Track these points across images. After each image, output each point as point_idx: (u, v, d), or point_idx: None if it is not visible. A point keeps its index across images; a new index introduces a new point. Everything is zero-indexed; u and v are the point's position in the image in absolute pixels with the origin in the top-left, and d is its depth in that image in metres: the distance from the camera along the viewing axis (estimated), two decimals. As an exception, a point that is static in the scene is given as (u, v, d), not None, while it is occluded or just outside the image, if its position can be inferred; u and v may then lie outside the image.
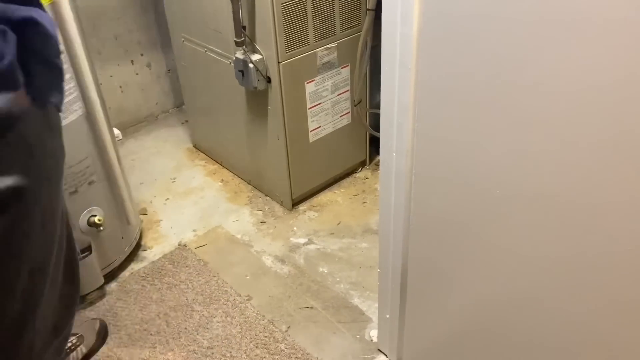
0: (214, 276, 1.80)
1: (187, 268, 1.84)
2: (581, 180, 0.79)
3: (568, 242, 0.86)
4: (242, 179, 2.27)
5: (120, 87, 2.57)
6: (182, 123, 2.68)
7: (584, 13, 0.69)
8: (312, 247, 1.91)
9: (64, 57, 1.44)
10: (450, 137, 0.97)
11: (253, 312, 1.66)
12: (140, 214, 2.10)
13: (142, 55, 2.58)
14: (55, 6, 1.39)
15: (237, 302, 1.70)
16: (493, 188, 0.93)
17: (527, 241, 0.92)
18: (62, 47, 1.43)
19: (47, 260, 1.01)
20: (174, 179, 2.32)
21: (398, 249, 1.24)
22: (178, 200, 2.19)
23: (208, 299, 1.72)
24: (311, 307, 1.67)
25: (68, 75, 1.46)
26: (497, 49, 0.81)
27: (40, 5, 0.90)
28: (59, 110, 0.96)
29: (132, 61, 2.56)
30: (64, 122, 1.43)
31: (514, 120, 0.84)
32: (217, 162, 2.38)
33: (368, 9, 1.85)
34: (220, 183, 2.27)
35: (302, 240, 1.94)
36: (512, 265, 0.97)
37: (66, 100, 1.47)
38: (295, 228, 2.00)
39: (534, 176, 0.86)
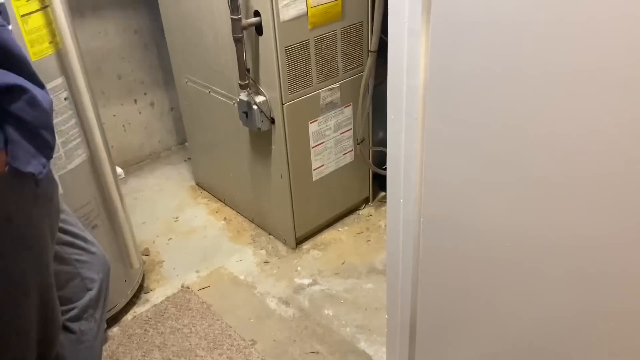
0: (218, 319, 1.77)
1: (190, 311, 1.81)
2: (589, 233, 0.78)
3: (578, 295, 0.84)
4: (245, 217, 2.26)
5: (124, 125, 2.59)
6: (185, 160, 2.68)
7: (585, 66, 0.69)
8: (316, 288, 1.89)
9: (68, 104, 1.45)
10: (459, 186, 0.96)
11: (258, 357, 1.63)
12: (143, 255, 2.08)
13: (145, 94, 2.60)
14: (61, 54, 1.40)
15: (242, 346, 1.67)
16: (502, 240, 0.92)
17: (538, 293, 0.91)
18: (67, 93, 1.44)
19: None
20: (177, 218, 2.31)
21: (407, 296, 1.22)
22: (181, 240, 2.17)
23: (212, 344, 1.68)
24: (317, 352, 1.64)
25: (73, 121, 1.47)
26: (503, 104, 0.81)
27: (37, 82, 0.89)
28: (36, 182, 0.91)
29: (135, 100, 2.58)
30: (68, 167, 1.44)
31: (522, 173, 0.84)
32: (220, 200, 2.38)
33: (370, 51, 1.87)
34: (223, 222, 2.26)
35: (307, 281, 1.92)
36: (524, 318, 0.95)
37: (70, 145, 1.47)
38: (299, 268, 1.98)
39: (542, 229, 0.85)
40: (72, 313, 1.16)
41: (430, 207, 1.05)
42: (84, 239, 1.19)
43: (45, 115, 0.90)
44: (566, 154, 0.77)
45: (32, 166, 0.89)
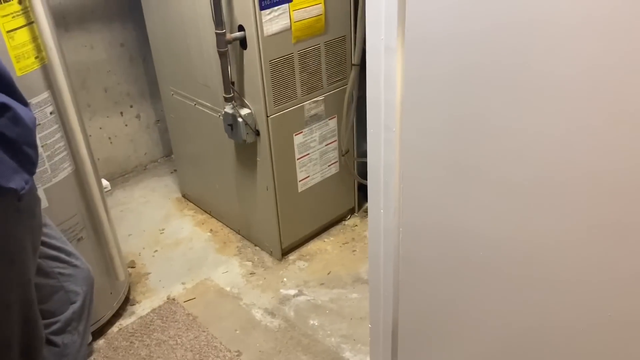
0: (203, 331, 1.78)
1: (176, 323, 1.82)
2: (564, 239, 0.81)
3: (555, 302, 0.87)
4: (231, 228, 2.27)
5: (110, 138, 2.59)
6: (171, 172, 2.69)
7: (556, 76, 0.72)
8: (302, 298, 1.90)
9: (54, 118, 1.46)
10: (435, 197, 0.99)
11: (243, 368, 1.64)
12: (129, 267, 2.08)
13: (131, 106, 2.62)
14: (47, 68, 1.42)
15: (227, 358, 1.67)
16: (478, 248, 0.95)
17: (515, 300, 0.94)
18: (53, 107, 1.45)
19: None
20: (163, 229, 2.31)
21: (388, 305, 1.24)
22: (167, 252, 2.18)
23: (197, 355, 1.69)
24: (302, 362, 1.66)
25: (58, 135, 1.48)
26: (475, 116, 0.84)
27: (20, 100, 0.91)
28: (18, 198, 0.92)
29: (121, 112, 2.59)
30: (53, 181, 1.45)
31: (495, 183, 0.87)
32: (206, 211, 2.39)
33: (353, 64, 1.91)
34: (209, 233, 2.27)
35: (292, 292, 1.93)
36: (503, 324, 0.98)
37: (56, 159, 1.49)
38: (285, 279, 2.00)
39: (517, 237, 0.87)
40: (55, 326, 1.17)
41: (408, 217, 1.08)
42: (68, 253, 1.20)
43: (27, 132, 0.91)
44: (538, 163, 0.80)
45: (15, 182, 0.90)
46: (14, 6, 1.31)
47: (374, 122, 1.06)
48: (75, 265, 1.20)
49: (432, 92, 0.89)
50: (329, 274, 2.01)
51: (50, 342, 1.15)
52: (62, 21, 2.23)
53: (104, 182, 2.57)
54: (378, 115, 1.03)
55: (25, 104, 0.92)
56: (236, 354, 1.69)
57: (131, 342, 1.76)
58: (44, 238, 1.11)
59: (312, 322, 1.80)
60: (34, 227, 1.01)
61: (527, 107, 0.77)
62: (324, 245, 2.15)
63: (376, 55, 0.99)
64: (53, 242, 1.17)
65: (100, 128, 2.54)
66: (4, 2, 1.28)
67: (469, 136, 0.87)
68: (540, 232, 0.84)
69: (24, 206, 0.95)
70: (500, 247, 0.91)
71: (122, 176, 2.69)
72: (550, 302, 0.88)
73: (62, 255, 1.18)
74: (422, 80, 0.90)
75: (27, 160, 0.93)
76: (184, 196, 2.50)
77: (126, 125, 2.63)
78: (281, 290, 1.94)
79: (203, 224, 2.33)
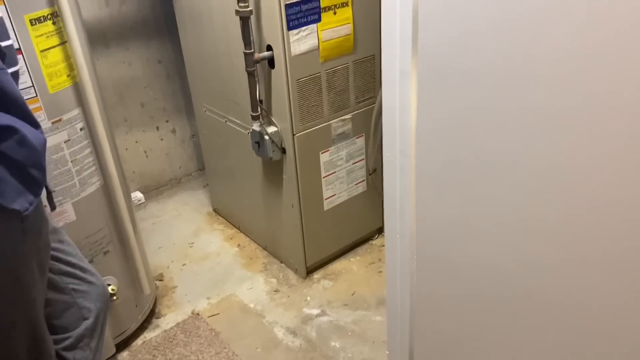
0: (225, 347, 1.78)
1: (198, 338, 1.83)
2: (585, 274, 0.77)
3: (573, 338, 0.82)
4: (258, 244, 2.28)
5: (145, 152, 2.66)
6: (204, 186, 2.73)
7: (572, 105, 0.69)
8: (324, 319, 1.88)
9: (84, 134, 1.50)
10: (449, 226, 0.96)
11: (261, 387, 1.63)
12: (157, 280, 2.11)
13: (167, 121, 2.68)
14: (78, 86, 1.46)
15: (246, 376, 1.67)
16: (494, 281, 0.91)
17: (533, 334, 0.89)
18: (83, 124, 1.50)
19: None
20: (192, 243, 2.34)
21: (405, 333, 1.21)
22: (194, 266, 2.20)
23: (217, 372, 1.69)
24: (321, 385, 1.63)
25: (87, 150, 1.53)
26: (490, 145, 0.81)
27: (31, 122, 0.93)
28: (21, 218, 0.93)
29: (157, 127, 2.66)
30: (82, 195, 1.49)
31: (513, 215, 0.83)
32: (235, 226, 2.41)
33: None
34: (236, 248, 2.28)
35: (315, 312, 1.91)
36: (517, 354, 0.94)
37: (84, 173, 1.53)
38: (308, 297, 1.98)
39: (533, 271, 0.83)
40: (67, 342, 1.19)
41: (423, 245, 1.05)
42: (83, 269, 1.22)
43: (35, 154, 0.93)
44: (558, 195, 0.76)
45: (18, 203, 0.91)
46: (48, 26, 1.36)
47: (390, 146, 1.04)
48: (90, 282, 1.22)
49: (445, 118, 0.87)
50: (353, 294, 1.98)
51: (61, 358, 1.17)
52: (102, 38, 2.31)
53: (138, 195, 2.65)
54: (393, 139, 1.02)
55: (36, 125, 0.94)
56: (255, 372, 1.68)
57: (154, 356, 1.77)
58: (59, 254, 1.13)
59: (333, 343, 1.77)
60: (40, 247, 1.02)
61: (545, 136, 0.74)
62: (350, 265, 2.13)
63: (391, 78, 0.97)
64: (69, 258, 1.19)
65: (137, 142, 2.61)
66: (39, 23, 1.33)
67: (484, 166, 0.84)
68: (562, 266, 0.80)
69: (29, 227, 0.96)
70: (517, 281, 0.87)
71: (156, 189, 2.75)
72: (577, 339, 0.83)
73: (77, 272, 1.20)
74: (435, 105, 0.88)
75: (32, 182, 0.94)
76: (214, 210, 2.53)
77: (162, 139, 2.69)
78: (304, 310, 1.93)
79: (231, 238, 2.35)
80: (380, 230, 2.26)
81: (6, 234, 0.93)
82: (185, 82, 2.52)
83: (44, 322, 1.07)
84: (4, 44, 0.99)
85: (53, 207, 1.20)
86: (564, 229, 0.77)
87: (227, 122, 2.10)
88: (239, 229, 2.39)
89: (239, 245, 2.30)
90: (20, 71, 1.22)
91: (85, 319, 1.21)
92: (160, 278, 2.14)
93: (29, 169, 0.93)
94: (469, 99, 0.81)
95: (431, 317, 1.10)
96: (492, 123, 0.79)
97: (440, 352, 1.13)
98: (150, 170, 2.71)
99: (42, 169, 0.96)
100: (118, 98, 2.45)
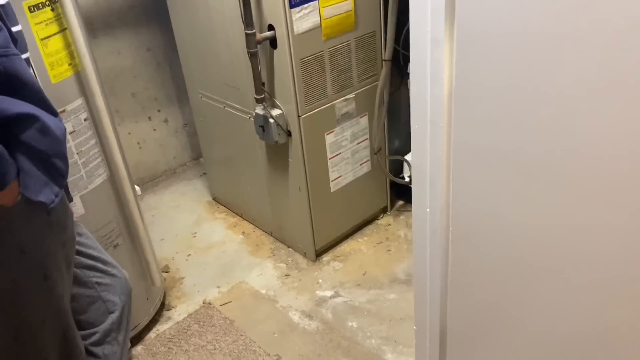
0: (241, 335, 1.76)
1: (213, 327, 1.80)
2: (627, 240, 0.76)
3: (615, 307, 0.82)
4: (263, 230, 2.25)
5: (138, 143, 2.60)
6: (200, 175, 2.69)
7: (614, 72, 0.68)
8: (339, 300, 1.87)
9: (88, 124, 1.45)
10: (488, 194, 0.94)
11: (283, 372, 1.62)
12: (163, 272, 2.07)
13: (159, 111, 2.62)
14: (80, 75, 1.41)
15: (267, 362, 1.65)
16: (534, 248, 0.90)
17: (571, 304, 0.89)
18: (87, 114, 1.44)
19: None
20: (195, 233, 2.30)
21: (435, 307, 1.20)
22: (200, 256, 2.17)
23: (236, 360, 1.67)
24: (343, 365, 1.63)
25: (93, 141, 1.48)
26: (532, 111, 0.80)
27: (50, 110, 0.88)
28: (47, 211, 0.90)
29: (149, 117, 2.59)
30: (89, 187, 1.45)
31: (553, 180, 0.82)
32: (237, 214, 2.37)
33: (384, 60, 1.87)
34: (241, 236, 2.25)
35: (329, 293, 1.90)
36: (557, 328, 0.93)
37: (91, 165, 1.48)
38: (320, 280, 1.97)
39: (575, 237, 0.83)
40: (94, 337, 1.15)
41: (459, 217, 1.03)
42: (104, 262, 1.18)
43: (57, 144, 0.88)
44: (599, 159, 0.75)
45: (44, 195, 0.87)
46: (47, 13, 1.30)
47: (419, 118, 1.02)
48: (112, 275, 1.19)
49: (486, 86, 0.85)
50: (364, 274, 1.97)
51: (90, 354, 1.14)
52: (90, 27, 2.23)
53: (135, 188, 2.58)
54: (424, 110, 0.99)
55: (55, 114, 0.89)
56: (275, 357, 1.67)
57: (169, 348, 1.75)
58: (80, 248, 1.09)
59: (350, 324, 1.77)
60: (66, 240, 0.99)
61: (589, 102, 0.73)
62: (358, 246, 2.12)
63: (421, 48, 0.95)
64: (90, 251, 1.15)
65: (129, 133, 2.54)
66: (37, 10, 1.27)
67: (526, 132, 0.83)
68: (603, 230, 0.79)
69: (55, 220, 0.92)
70: (558, 248, 0.87)
71: (151, 181, 2.69)
72: (614, 305, 0.83)
73: (99, 265, 1.16)
74: (475, 74, 0.86)
75: (57, 172, 0.90)
76: (214, 199, 2.49)
77: (154, 129, 2.63)
78: (317, 292, 1.91)
79: (235, 226, 2.31)
80: (385, 210, 2.26)
81: (34, 229, 0.89)
82: (176, 69, 2.46)
83: (72, 319, 1.03)
84: (14, 29, 0.94)
85: (70, 199, 1.15)
86: (608, 194, 0.76)
87: (225, 108, 2.06)
88: (241, 217, 2.35)
89: (243, 232, 2.27)
90: (25, 60, 1.17)
91: (111, 312, 1.17)
92: (166, 270, 2.10)
93: (53, 159, 0.89)
94: (513, 64, 0.79)
95: (468, 289, 1.09)
96: (539, 87, 0.77)
97: (476, 324, 1.12)
98: (145, 161, 2.65)
99: (64, 158, 0.91)
100: (109, 89, 2.38)
